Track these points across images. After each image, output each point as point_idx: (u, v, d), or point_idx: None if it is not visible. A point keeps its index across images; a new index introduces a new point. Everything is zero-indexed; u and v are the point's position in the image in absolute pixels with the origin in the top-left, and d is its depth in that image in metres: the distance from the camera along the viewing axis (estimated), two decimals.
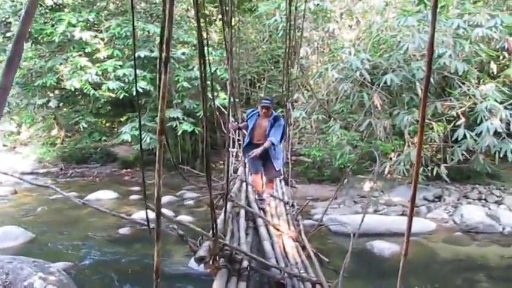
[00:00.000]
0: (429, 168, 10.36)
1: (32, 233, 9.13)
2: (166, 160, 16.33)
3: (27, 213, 11.37)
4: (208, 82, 3.20)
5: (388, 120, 11.19)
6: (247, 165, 6.88)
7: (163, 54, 1.83)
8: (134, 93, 13.88)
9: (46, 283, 5.41)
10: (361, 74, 10.67)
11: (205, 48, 2.82)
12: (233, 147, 11.01)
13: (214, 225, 3.41)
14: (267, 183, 6.69)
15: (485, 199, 10.71)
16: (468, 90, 9.92)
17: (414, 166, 1.61)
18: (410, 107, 10.71)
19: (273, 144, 6.21)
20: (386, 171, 11.02)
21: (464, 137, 9.73)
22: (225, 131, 4.40)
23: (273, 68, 16.49)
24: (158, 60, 2.46)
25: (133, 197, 12.93)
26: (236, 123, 6.96)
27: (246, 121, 6.74)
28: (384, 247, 8.07)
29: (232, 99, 7.74)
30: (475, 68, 10.36)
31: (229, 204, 5.18)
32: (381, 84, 10.45)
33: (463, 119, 9.89)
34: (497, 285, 6.80)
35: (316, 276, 4.12)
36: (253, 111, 6.69)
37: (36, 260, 5.90)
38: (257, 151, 6.11)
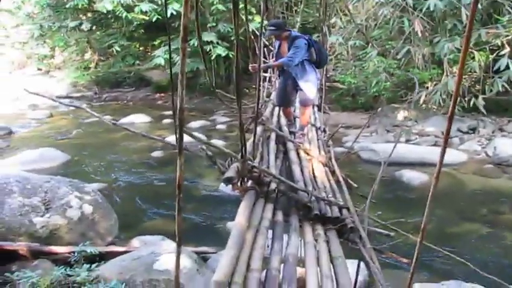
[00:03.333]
0: (466, 99, 10.10)
1: (68, 155, 9.44)
2: (199, 85, 16.49)
3: (63, 135, 11.72)
4: (242, 4, 3.13)
5: (427, 48, 10.86)
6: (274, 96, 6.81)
7: None
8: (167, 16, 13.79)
9: (82, 202, 5.63)
10: None
11: None
12: (266, 71, 10.95)
13: (243, 147, 3.45)
14: (300, 113, 6.33)
15: None
16: None
17: (452, 96, 1.57)
18: (453, 34, 10.33)
19: (281, 63, 5.83)
20: (421, 101, 10.82)
21: (507, 67, 9.39)
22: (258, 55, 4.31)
23: None
24: None
25: (166, 121, 13.12)
26: (254, 65, 6.14)
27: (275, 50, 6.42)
28: (413, 176, 8.08)
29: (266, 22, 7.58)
30: None
31: (259, 128, 5.21)
32: (424, 10, 10.06)
33: (507, 49, 9.51)
34: None
35: (343, 200, 4.18)
36: None
37: (72, 180, 6.11)
38: (262, 66, 5.73)
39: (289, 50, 5.75)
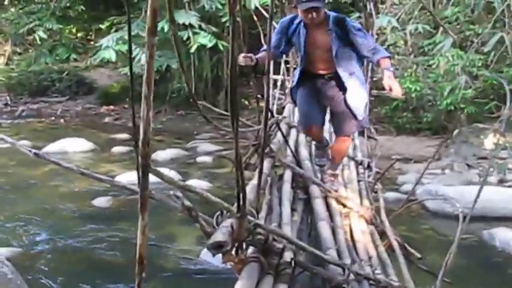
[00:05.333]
0: None
1: None
2: (172, 94, 16.54)
3: None
4: None
5: None
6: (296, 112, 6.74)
7: None
8: None
9: None
10: None
11: None
12: (277, 72, 10.99)
13: (241, 195, 3.45)
14: (335, 146, 6.21)
15: None
16: None
17: None
18: None
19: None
20: None
21: None
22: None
23: None
24: None
25: (118, 149, 13.14)
26: (248, 55, 5.65)
27: (280, 42, 5.96)
28: (510, 238, 8.03)
29: None
30: None
31: (266, 162, 5.22)
32: None
33: None
34: None
35: (399, 279, 4.16)
36: (292, 21, 5.85)
37: None
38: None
39: (338, 39, 5.61)
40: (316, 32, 5.66)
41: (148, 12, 1.55)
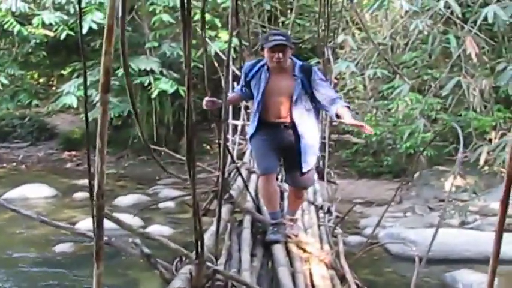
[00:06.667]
0: None
1: None
2: (133, 139, 16.52)
3: None
4: (199, 14, 3.20)
5: (488, 80, 11.10)
6: (253, 158, 6.66)
7: None
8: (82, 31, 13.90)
9: None
10: (447, 4, 10.56)
11: None
12: (237, 117, 11.03)
13: (200, 241, 3.45)
14: (292, 196, 6.17)
15: None
16: None
17: None
18: None
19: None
20: (482, 161, 10.95)
21: None
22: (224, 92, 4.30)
23: None
24: None
25: (80, 195, 13.02)
26: (211, 99, 5.72)
27: (243, 86, 6.07)
28: (473, 280, 8.05)
29: (237, 42, 7.69)
30: None
31: (225, 208, 5.22)
32: (479, 22, 10.34)
33: None
34: None
35: None
36: (255, 64, 5.83)
37: None
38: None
39: (301, 85, 5.59)
40: (279, 77, 5.66)
41: (101, 71, 1.56)
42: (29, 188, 13.26)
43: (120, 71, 12.31)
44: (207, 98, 5.61)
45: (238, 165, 7.75)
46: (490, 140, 11.25)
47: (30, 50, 16.83)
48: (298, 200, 6.08)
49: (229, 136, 10.39)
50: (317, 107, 5.74)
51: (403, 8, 11.24)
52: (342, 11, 12.00)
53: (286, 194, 6.86)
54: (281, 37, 5.55)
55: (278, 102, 5.69)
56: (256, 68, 5.74)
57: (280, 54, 5.43)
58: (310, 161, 5.71)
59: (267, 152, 5.84)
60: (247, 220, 5.60)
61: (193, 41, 4.55)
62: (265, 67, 5.67)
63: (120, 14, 2.47)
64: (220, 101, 5.71)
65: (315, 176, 6.67)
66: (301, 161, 5.63)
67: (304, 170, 5.67)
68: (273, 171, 5.98)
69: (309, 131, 5.71)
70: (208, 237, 3.88)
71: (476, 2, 10.79)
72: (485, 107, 11.29)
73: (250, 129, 6.06)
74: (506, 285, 7.67)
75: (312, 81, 5.56)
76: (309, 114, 5.71)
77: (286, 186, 6.72)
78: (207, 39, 12.34)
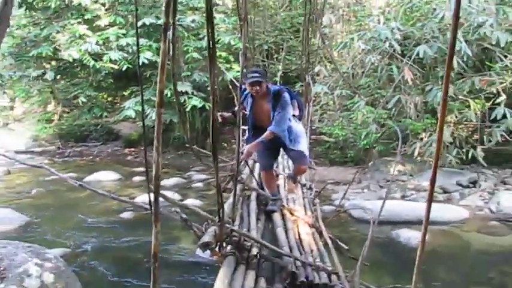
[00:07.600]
0: (464, 150, 10.27)
1: (27, 217, 9.28)
2: (174, 139, 16.57)
3: (21, 195, 11.55)
4: (220, 53, 3.22)
5: (419, 97, 11.10)
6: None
7: (164, 20, 1.81)
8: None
9: (42, 270, 5.48)
10: (391, 45, 10.55)
11: (214, 14, 2.84)
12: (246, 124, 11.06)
13: (221, 209, 3.47)
14: (295, 169, 6.13)
15: None
16: (511, 64, 9.78)
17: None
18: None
19: (274, 134, 5.41)
20: (416, 153, 10.97)
21: (504, 116, 9.59)
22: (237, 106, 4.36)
23: (292, 37, 16.44)
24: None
25: (137, 178, 13.06)
26: (221, 113, 5.92)
27: (241, 103, 5.77)
28: (410, 236, 8.07)
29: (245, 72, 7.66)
30: None
31: (239, 187, 5.25)
32: (413, 57, 10.33)
33: (503, 96, 9.75)
34: None
35: (332, 265, 4.18)
36: (245, 90, 5.63)
37: (32, 245, 5.95)
38: (250, 146, 5.46)
39: (273, 108, 5.44)
40: (260, 102, 5.58)
41: (157, 93, 1.60)
42: (101, 174, 13.33)
43: (166, 92, 12.36)
44: (219, 113, 5.68)
45: None
46: (422, 139, 11.27)
47: (101, 78, 16.89)
48: (298, 171, 6.00)
49: (241, 137, 10.47)
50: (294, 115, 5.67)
51: (360, 47, 11.26)
52: (317, 49, 12.03)
53: (280, 177, 6.91)
54: (256, 74, 5.40)
55: (262, 119, 5.60)
56: (246, 92, 5.63)
57: (257, 87, 5.31)
58: (294, 140, 5.58)
59: (264, 152, 5.83)
60: (253, 195, 5.63)
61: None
62: (250, 94, 5.58)
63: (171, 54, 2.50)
64: (227, 114, 5.98)
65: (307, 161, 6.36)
66: (286, 143, 5.53)
67: (290, 147, 5.57)
68: (270, 169, 6.01)
69: (298, 138, 5.63)
70: (226, 207, 3.89)
71: (411, 43, 10.78)
72: (418, 115, 11.29)
73: (247, 135, 6.02)
74: (433, 238, 7.68)
75: (279, 104, 5.39)
76: (290, 127, 5.56)
77: (280, 170, 6.74)
78: (224, 70, 12.42)
